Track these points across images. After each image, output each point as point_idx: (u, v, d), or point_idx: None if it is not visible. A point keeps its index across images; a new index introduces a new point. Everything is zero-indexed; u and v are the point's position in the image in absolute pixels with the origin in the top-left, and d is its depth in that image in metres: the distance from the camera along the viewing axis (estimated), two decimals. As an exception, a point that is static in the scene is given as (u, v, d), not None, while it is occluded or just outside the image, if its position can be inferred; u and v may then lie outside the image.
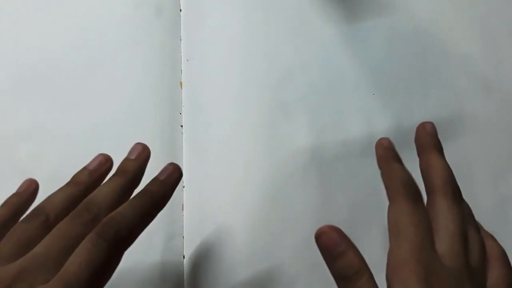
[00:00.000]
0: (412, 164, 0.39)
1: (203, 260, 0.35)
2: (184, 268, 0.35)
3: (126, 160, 0.28)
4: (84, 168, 0.28)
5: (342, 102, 0.38)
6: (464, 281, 0.21)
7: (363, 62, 0.39)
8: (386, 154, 0.28)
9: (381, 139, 0.29)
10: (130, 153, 0.29)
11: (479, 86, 0.40)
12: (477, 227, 0.26)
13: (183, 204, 0.36)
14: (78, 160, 0.36)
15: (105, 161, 0.28)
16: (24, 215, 0.24)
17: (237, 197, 0.36)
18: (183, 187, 0.36)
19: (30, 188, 0.28)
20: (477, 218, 0.38)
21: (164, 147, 0.36)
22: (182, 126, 0.37)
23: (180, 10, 0.38)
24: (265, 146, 0.37)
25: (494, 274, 0.23)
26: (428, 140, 0.28)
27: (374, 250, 0.37)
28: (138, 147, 0.29)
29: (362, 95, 0.39)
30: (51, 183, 0.35)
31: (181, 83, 0.37)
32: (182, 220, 0.36)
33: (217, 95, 0.37)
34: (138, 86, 0.37)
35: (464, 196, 0.39)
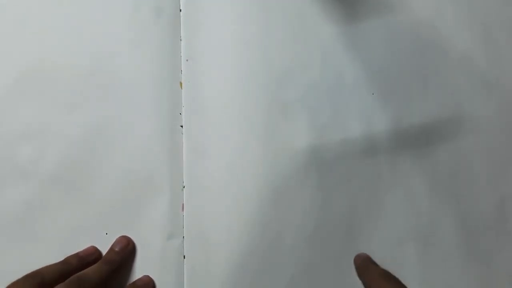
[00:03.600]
0: (412, 164, 0.39)
1: (203, 260, 0.35)
2: (184, 268, 0.35)
3: (111, 251, 0.34)
4: (76, 254, 0.34)
5: (342, 102, 0.38)
6: None
7: (362, 62, 0.39)
8: (364, 263, 0.33)
9: (358, 254, 0.35)
10: (114, 244, 0.35)
11: (479, 86, 0.40)
12: None
13: (183, 204, 0.36)
14: (78, 160, 0.36)
15: (93, 252, 0.34)
16: (22, 277, 0.30)
17: (237, 197, 0.36)
18: (183, 187, 0.36)
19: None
20: (477, 218, 0.38)
21: (164, 147, 0.36)
22: (182, 126, 0.37)
23: (180, 10, 0.38)
24: (265, 146, 0.37)
25: None
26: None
27: (374, 250, 0.37)
28: (123, 240, 0.35)
29: (361, 95, 0.39)
30: (51, 183, 0.35)
31: (181, 83, 0.37)
32: (182, 220, 0.36)
33: (217, 95, 0.37)
34: (138, 86, 0.37)
35: (464, 196, 0.39)
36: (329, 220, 0.37)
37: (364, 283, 0.32)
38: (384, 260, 0.37)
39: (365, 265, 0.33)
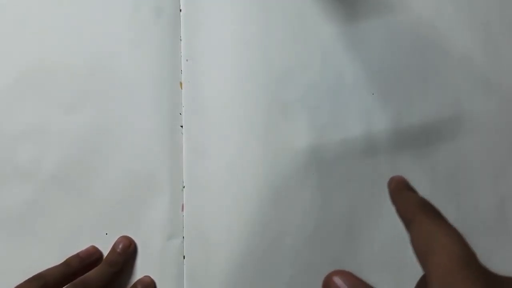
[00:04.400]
0: (412, 164, 0.39)
1: (203, 260, 0.35)
2: (184, 268, 0.35)
3: (113, 252, 0.34)
4: (77, 255, 0.34)
5: (342, 102, 0.38)
6: None
7: (362, 62, 0.39)
8: (398, 187, 0.26)
9: (392, 176, 0.27)
10: (116, 245, 0.35)
11: (479, 86, 0.40)
12: None
13: (183, 204, 0.36)
14: (78, 160, 0.36)
15: (94, 252, 0.35)
16: (25, 280, 0.30)
17: (237, 197, 0.36)
18: (183, 187, 0.36)
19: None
20: (477, 218, 0.38)
21: (164, 147, 0.36)
22: (182, 126, 0.37)
23: (180, 10, 0.38)
24: (265, 146, 0.37)
25: None
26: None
27: (374, 250, 0.37)
28: (125, 241, 0.35)
29: (361, 95, 0.39)
30: (51, 183, 0.35)
31: (181, 83, 0.37)
32: (182, 220, 0.36)
33: (217, 95, 0.37)
34: (138, 86, 0.37)
35: (464, 196, 0.39)
36: (329, 220, 0.37)
37: (397, 211, 0.25)
38: (384, 260, 0.37)
39: (399, 190, 0.26)
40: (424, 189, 0.39)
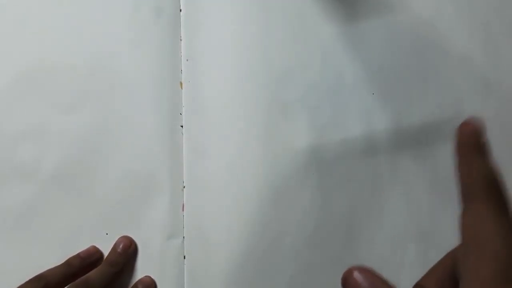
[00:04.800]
0: (412, 164, 0.39)
1: (203, 260, 0.35)
2: (184, 268, 0.35)
3: (114, 252, 0.34)
4: (77, 255, 0.34)
5: (342, 102, 0.38)
6: None
7: (362, 62, 0.39)
8: (469, 141, 0.21)
9: (466, 121, 0.21)
10: (116, 245, 0.34)
11: (479, 86, 0.40)
12: None
13: (183, 204, 0.36)
14: (78, 160, 0.36)
15: (95, 252, 0.34)
16: (26, 281, 0.30)
17: (237, 197, 0.36)
18: (183, 187, 0.36)
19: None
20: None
21: (164, 147, 0.36)
22: (182, 126, 0.37)
23: (180, 10, 0.38)
24: (265, 146, 0.37)
25: None
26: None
27: (374, 250, 0.37)
28: (126, 241, 0.35)
29: (361, 94, 0.39)
30: (51, 183, 0.35)
31: (181, 83, 0.37)
32: (182, 220, 0.36)
33: (217, 95, 0.37)
34: (138, 86, 0.37)
35: (464, 196, 0.39)
36: (329, 220, 0.37)
37: (459, 177, 0.20)
38: (384, 260, 0.37)
39: (468, 151, 0.21)
40: (424, 189, 0.39)
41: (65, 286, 0.31)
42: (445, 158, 0.39)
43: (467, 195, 0.19)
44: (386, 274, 0.38)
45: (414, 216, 0.38)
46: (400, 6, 0.40)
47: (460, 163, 0.21)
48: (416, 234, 0.37)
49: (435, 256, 0.38)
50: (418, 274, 0.37)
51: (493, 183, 0.19)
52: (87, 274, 0.32)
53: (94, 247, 0.35)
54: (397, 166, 0.38)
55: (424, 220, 0.38)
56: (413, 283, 0.35)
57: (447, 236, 0.38)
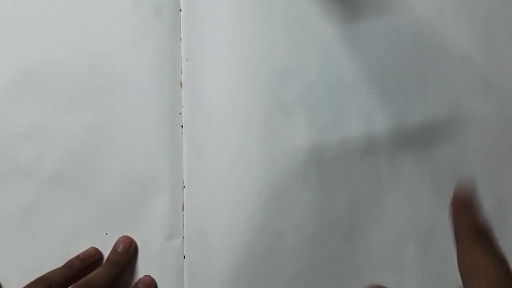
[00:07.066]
0: (413, 164, 0.39)
1: (203, 260, 0.35)
2: (184, 268, 0.35)
3: (115, 252, 0.34)
4: (77, 257, 0.34)
5: (342, 102, 0.38)
6: None
7: (362, 62, 0.39)
8: (460, 207, 0.27)
9: (461, 186, 0.26)
10: (117, 245, 0.34)
11: (478, 86, 0.40)
12: None
13: (183, 204, 0.36)
14: (78, 160, 0.36)
15: (95, 253, 0.34)
16: (29, 283, 0.30)
17: (237, 197, 0.36)
18: (183, 187, 0.36)
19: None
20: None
21: (164, 147, 0.36)
22: (182, 126, 0.37)
23: (180, 10, 0.38)
24: (265, 146, 0.37)
25: None
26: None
27: (374, 250, 0.37)
28: (126, 241, 0.35)
29: (361, 94, 0.39)
30: (51, 183, 0.35)
31: (181, 83, 0.37)
32: (182, 220, 0.36)
33: (217, 95, 0.37)
34: (138, 86, 0.37)
35: (464, 196, 0.39)
36: (329, 220, 0.37)
37: (451, 224, 0.25)
38: (384, 260, 0.37)
39: (460, 209, 0.25)
40: (424, 189, 0.39)
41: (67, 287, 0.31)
42: (445, 158, 0.39)
43: (459, 238, 0.24)
44: (386, 274, 0.38)
45: (414, 216, 0.38)
46: (400, 6, 0.40)
47: (453, 218, 0.26)
48: (416, 234, 0.37)
49: (435, 256, 0.38)
50: (418, 274, 0.37)
51: (480, 229, 0.24)
52: (89, 275, 0.32)
53: (94, 248, 0.35)
54: (397, 166, 0.38)
55: (424, 220, 0.38)
56: (413, 283, 0.34)
57: (447, 236, 0.38)
